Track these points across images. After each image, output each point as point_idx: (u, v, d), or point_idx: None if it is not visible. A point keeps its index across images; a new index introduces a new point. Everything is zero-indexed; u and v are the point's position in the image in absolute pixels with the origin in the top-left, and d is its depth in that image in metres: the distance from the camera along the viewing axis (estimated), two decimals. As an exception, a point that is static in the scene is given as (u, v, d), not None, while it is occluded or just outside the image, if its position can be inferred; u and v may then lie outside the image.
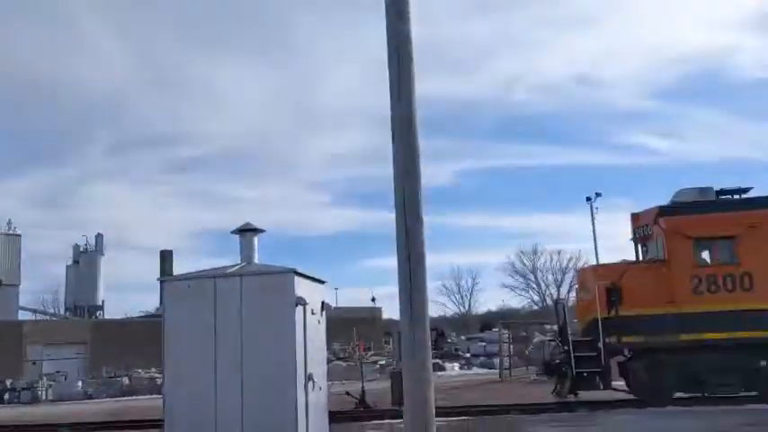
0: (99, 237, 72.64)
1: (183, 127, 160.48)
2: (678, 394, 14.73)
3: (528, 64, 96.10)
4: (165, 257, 73.94)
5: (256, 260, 8.54)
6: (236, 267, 8.14)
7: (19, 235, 68.34)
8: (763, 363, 14.18)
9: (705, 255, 15.38)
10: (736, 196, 15.86)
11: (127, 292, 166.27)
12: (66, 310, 74.23)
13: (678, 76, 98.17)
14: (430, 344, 5.09)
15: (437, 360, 32.96)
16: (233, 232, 8.62)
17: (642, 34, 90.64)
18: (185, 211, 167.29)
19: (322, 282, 8.69)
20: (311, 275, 8.27)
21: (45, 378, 28.43)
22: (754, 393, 14.31)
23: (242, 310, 7.57)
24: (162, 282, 8.23)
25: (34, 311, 69.20)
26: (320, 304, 8.37)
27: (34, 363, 41.49)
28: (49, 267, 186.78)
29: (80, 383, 28.48)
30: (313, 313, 7.97)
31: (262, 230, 8.71)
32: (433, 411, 4.98)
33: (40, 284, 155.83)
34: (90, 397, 27.44)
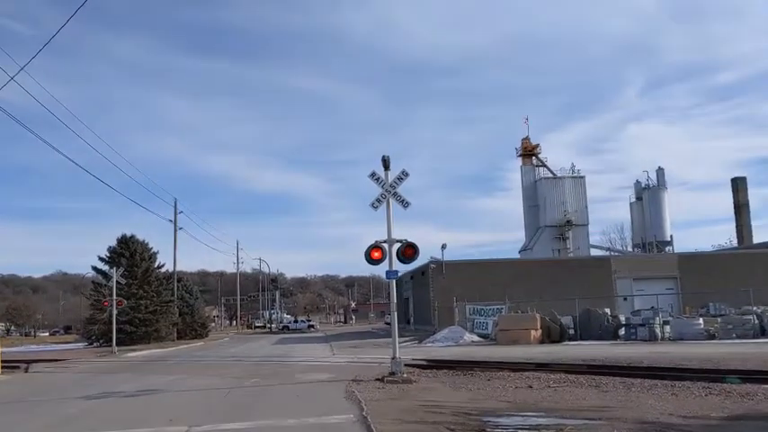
0: (660, 171, 70.14)
1: (714, 53, 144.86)
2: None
3: None
4: (738, 186, 66.49)
5: None
6: None
7: (583, 177, 71.53)
8: None
9: None
10: None
11: (689, 228, 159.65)
12: (634, 246, 74.46)
13: None
14: None
15: None
16: None
17: None
18: (731, 141, 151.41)
19: None
20: None
21: (660, 315, 26.81)
22: None
23: None
24: None
25: (606, 249, 71.56)
26: None
27: (625, 298, 41.58)
28: (604, 209, 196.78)
29: (701, 321, 25.85)
30: None
31: None
32: None
33: (602, 225, 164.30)
34: (712, 337, 24.53)
